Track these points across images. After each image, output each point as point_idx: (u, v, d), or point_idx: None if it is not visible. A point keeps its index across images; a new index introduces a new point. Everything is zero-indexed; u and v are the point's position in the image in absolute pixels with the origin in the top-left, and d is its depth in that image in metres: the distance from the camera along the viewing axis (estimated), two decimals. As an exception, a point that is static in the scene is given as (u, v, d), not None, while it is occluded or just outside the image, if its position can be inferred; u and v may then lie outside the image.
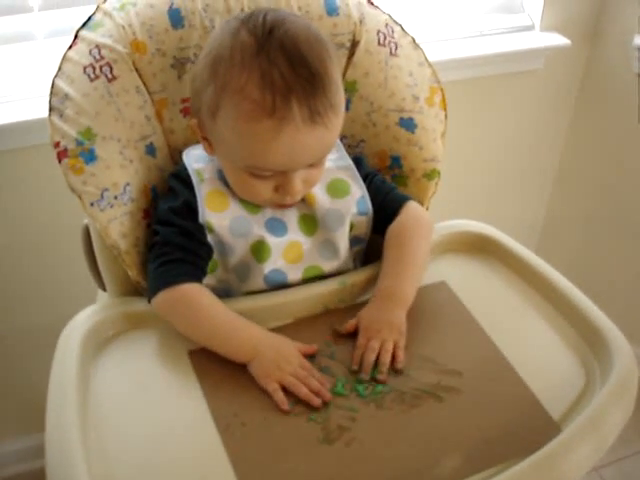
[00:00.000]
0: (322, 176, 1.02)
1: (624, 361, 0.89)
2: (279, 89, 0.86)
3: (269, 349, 0.91)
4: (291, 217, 1.04)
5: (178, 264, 0.97)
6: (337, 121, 0.93)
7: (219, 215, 1.00)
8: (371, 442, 0.83)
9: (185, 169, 1.03)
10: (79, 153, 0.98)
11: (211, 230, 0.99)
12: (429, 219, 1.10)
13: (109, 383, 0.90)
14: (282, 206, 1.01)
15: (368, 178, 1.10)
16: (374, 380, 0.90)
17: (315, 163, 0.97)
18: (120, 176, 1.01)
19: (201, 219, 0.99)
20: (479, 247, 1.14)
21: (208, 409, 0.86)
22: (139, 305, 1.01)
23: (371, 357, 0.92)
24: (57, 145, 0.98)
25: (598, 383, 0.90)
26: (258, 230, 1.01)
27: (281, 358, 0.90)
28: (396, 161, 1.18)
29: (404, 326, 0.96)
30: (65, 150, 0.98)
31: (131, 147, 1.03)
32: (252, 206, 1.02)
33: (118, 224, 1.00)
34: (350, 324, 0.97)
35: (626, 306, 1.93)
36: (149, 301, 0.97)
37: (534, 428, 0.85)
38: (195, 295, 0.96)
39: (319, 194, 1.05)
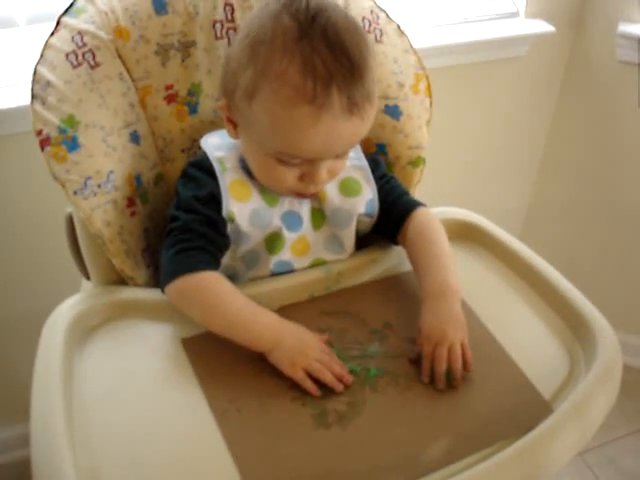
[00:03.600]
0: (333, 179, 1.01)
1: (608, 347, 0.90)
2: (320, 76, 0.84)
3: (290, 336, 0.91)
4: (305, 210, 1.04)
5: (198, 251, 0.95)
6: (372, 112, 0.92)
7: (241, 205, 0.99)
8: (367, 426, 0.84)
9: (207, 158, 1.01)
10: (62, 141, 0.97)
11: (232, 220, 0.98)
12: (440, 223, 1.08)
13: (95, 372, 0.90)
14: (303, 195, 1.00)
15: (384, 179, 1.10)
16: (450, 387, 0.89)
17: (342, 154, 0.96)
18: (103, 164, 1.00)
19: (224, 208, 0.98)
20: (464, 234, 1.14)
21: (203, 396, 0.86)
22: (124, 293, 1.01)
23: (443, 367, 0.89)
24: (40, 133, 0.97)
25: (583, 369, 0.91)
26: (276, 222, 1.01)
27: (304, 345, 0.90)
28: (381, 148, 1.18)
29: (463, 318, 0.94)
30: (48, 138, 0.97)
31: (115, 135, 1.02)
32: (271, 197, 1.01)
33: (102, 212, 1.00)
34: (418, 345, 0.93)
35: (610, 292, 1.95)
36: (162, 287, 0.95)
37: (527, 409, 0.86)
38: (216, 283, 0.94)
39: (331, 191, 1.04)
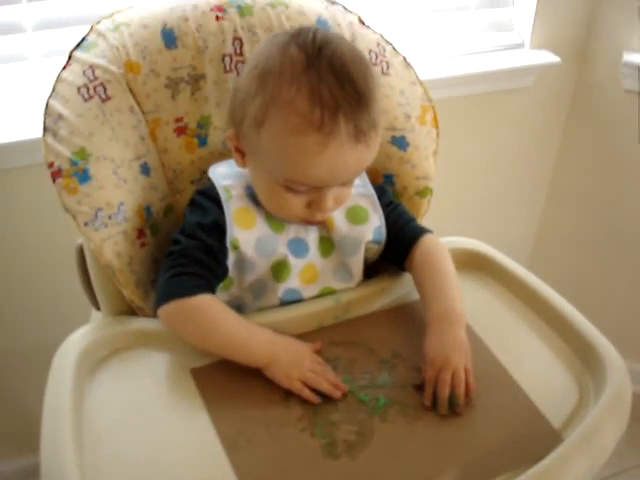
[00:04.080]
0: (339, 206, 1.02)
1: (617, 376, 0.90)
2: (327, 104, 0.86)
3: (284, 350, 0.94)
4: (312, 238, 1.05)
5: (192, 277, 0.97)
6: (377, 140, 0.94)
7: (246, 232, 1.00)
8: (376, 456, 0.83)
9: (213, 187, 1.02)
10: (73, 173, 0.98)
11: (236, 247, 0.99)
12: (447, 249, 1.09)
13: (105, 402, 0.90)
14: (310, 222, 1.01)
15: (390, 206, 1.11)
16: (453, 413, 0.89)
17: (348, 181, 0.98)
18: (114, 196, 1.01)
19: (228, 236, 0.99)
20: (472, 264, 1.15)
21: (213, 426, 0.86)
22: (134, 324, 1.01)
23: (445, 392, 0.89)
24: (51, 165, 0.98)
25: (592, 399, 0.90)
26: (282, 249, 1.02)
27: (297, 357, 0.94)
28: (388, 179, 1.19)
29: (468, 344, 0.95)
30: (59, 170, 0.98)
31: (125, 167, 1.03)
32: (277, 224, 1.02)
33: (112, 243, 1.01)
34: (423, 371, 0.93)
35: (619, 321, 1.94)
36: (156, 309, 0.97)
37: (536, 438, 0.86)
38: (210, 304, 0.96)
39: (338, 219, 1.05)
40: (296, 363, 0.93)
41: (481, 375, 0.92)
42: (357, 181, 1.05)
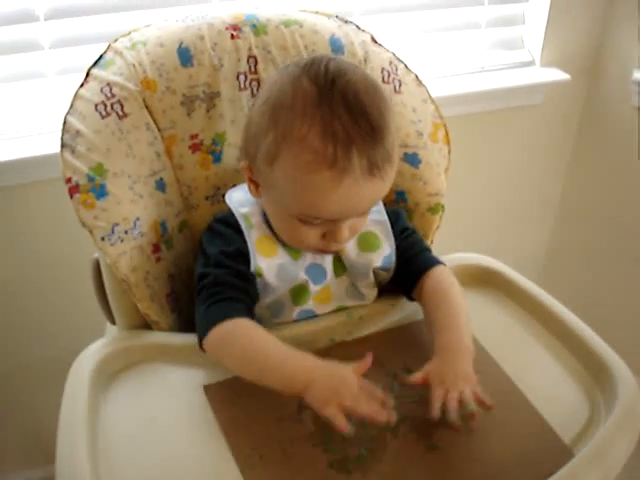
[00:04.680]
0: (355, 235, 1.01)
1: (628, 392, 0.90)
2: (341, 140, 0.85)
3: (324, 376, 0.86)
4: (328, 261, 1.05)
5: (230, 302, 0.95)
6: (392, 172, 0.93)
7: (269, 260, 1.00)
8: (387, 472, 0.83)
9: (232, 214, 1.02)
10: (90, 188, 1.00)
11: (260, 275, 0.99)
12: (457, 280, 1.07)
13: (120, 417, 0.91)
14: (325, 252, 1.01)
15: (405, 233, 1.10)
16: (466, 424, 0.87)
17: (363, 213, 0.98)
18: (130, 211, 1.02)
19: (252, 264, 0.99)
20: (483, 280, 1.15)
21: (226, 442, 0.86)
22: (148, 338, 1.02)
23: (454, 404, 0.86)
24: (69, 181, 1.00)
25: (603, 415, 0.91)
26: (302, 276, 1.02)
27: (338, 384, 0.85)
28: (401, 195, 1.19)
29: (475, 378, 0.91)
30: (77, 186, 0.99)
31: (141, 182, 1.05)
32: (294, 251, 1.02)
33: (128, 258, 1.02)
34: (417, 377, 0.91)
35: (629, 337, 1.93)
36: (200, 344, 0.94)
37: (547, 453, 0.86)
38: (249, 327, 0.93)
39: (349, 244, 1.05)
40: (337, 389, 0.84)
41: (491, 391, 0.92)
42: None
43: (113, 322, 1.12)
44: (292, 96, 0.89)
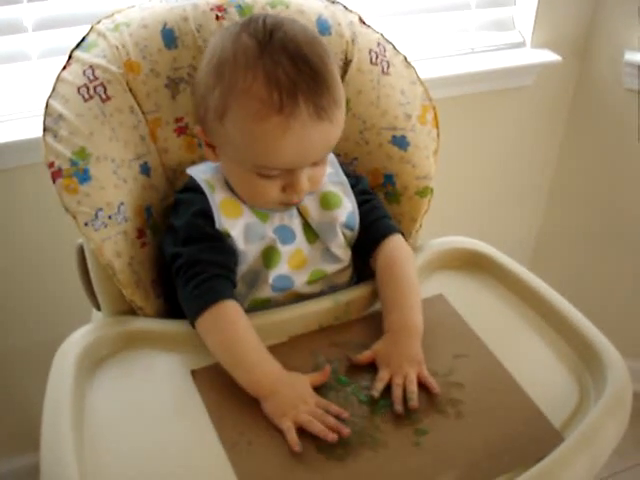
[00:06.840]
0: (317, 187, 1.03)
1: (618, 376, 0.90)
2: (285, 87, 0.88)
3: (285, 388, 0.89)
4: (297, 224, 1.05)
5: (214, 281, 0.96)
6: (341, 116, 0.95)
7: (234, 221, 1.00)
8: (377, 456, 0.83)
9: (194, 180, 1.03)
10: (73, 173, 0.98)
11: (227, 235, 0.99)
12: (412, 253, 1.10)
13: (105, 402, 0.90)
14: (288, 205, 1.01)
15: (364, 196, 1.11)
16: (406, 409, 0.89)
17: (319, 161, 0.98)
18: (114, 196, 1.01)
19: (217, 225, 0.99)
20: (473, 263, 1.14)
21: (213, 428, 0.86)
22: (134, 324, 1.01)
23: (399, 392, 0.90)
24: (51, 165, 0.98)
25: (592, 398, 0.90)
26: (270, 235, 1.02)
27: (297, 397, 0.88)
28: (389, 179, 1.18)
29: (422, 356, 0.95)
30: (59, 170, 0.98)
31: (125, 167, 1.04)
32: (261, 213, 1.03)
33: (112, 243, 1.00)
34: (365, 356, 0.95)
35: (619, 321, 1.93)
36: (192, 326, 0.96)
37: (537, 438, 0.86)
38: (237, 315, 0.95)
39: (312, 206, 1.06)
40: (295, 403, 0.87)
41: (481, 375, 0.92)
42: (329, 169, 1.06)
43: (98, 308, 1.11)
44: (233, 52, 0.92)
